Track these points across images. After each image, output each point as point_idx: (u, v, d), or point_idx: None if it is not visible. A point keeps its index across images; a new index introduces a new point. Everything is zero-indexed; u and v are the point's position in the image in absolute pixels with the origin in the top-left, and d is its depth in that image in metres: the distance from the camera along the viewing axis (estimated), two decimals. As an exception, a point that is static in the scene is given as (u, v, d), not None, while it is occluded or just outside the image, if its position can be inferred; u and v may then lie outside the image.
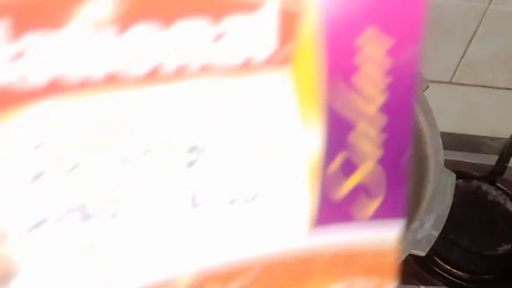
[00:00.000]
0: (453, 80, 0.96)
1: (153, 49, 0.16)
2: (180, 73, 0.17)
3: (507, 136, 0.80)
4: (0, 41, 0.16)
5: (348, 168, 0.19)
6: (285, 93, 0.18)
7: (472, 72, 0.95)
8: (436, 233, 0.56)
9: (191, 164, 0.17)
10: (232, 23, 0.16)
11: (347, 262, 0.21)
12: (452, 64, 0.94)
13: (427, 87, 0.67)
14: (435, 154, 0.63)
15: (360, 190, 0.20)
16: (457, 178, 0.61)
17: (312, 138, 0.18)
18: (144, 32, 0.16)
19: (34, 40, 0.16)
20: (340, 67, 0.18)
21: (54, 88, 0.17)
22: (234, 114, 0.18)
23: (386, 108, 0.19)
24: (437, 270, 0.75)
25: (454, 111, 0.92)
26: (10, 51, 0.16)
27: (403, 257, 0.55)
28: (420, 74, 0.17)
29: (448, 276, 0.75)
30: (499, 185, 0.80)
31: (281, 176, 0.19)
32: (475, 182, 0.80)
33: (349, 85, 0.18)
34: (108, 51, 0.16)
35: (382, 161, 0.20)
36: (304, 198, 0.20)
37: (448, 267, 0.75)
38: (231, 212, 0.19)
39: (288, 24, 0.17)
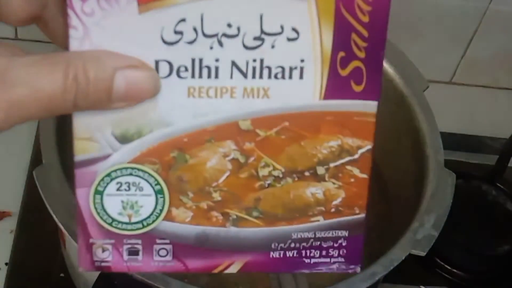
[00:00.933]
0: (453, 80, 0.96)
1: None
2: None
3: (507, 136, 0.80)
4: None
5: (347, 60, 0.32)
6: (313, 6, 0.31)
7: (472, 72, 0.95)
8: (436, 233, 0.56)
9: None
10: None
11: (342, 122, 0.33)
12: (452, 64, 0.94)
13: (427, 87, 0.67)
14: (435, 154, 0.63)
15: (353, 75, 0.32)
16: (457, 178, 0.61)
17: (327, 36, 0.32)
18: None
19: None
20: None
21: None
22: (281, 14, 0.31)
23: (367, 26, 0.32)
24: (437, 270, 0.75)
25: (454, 111, 0.92)
26: None
27: (403, 257, 0.55)
28: (386, 31, 0.32)
29: (448, 276, 0.75)
30: (499, 185, 0.80)
31: (307, 57, 0.32)
32: (475, 182, 0.80)
33: (349, 10, 0.31)
34: None
35: (365, 60, 0.32)
36: (321, 73, 0.32)
37: (448, 267, 0.75)
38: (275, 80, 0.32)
39: None
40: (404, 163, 0.67)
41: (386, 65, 0.68)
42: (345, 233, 0.36)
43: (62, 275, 0.69)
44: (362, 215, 0.36)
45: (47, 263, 0.69)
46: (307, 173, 0.35)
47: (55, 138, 0.57)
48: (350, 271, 0.36)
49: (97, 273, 0.54)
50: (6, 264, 0.69)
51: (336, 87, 0.32)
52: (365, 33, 0.32)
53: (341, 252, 0.36)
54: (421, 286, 0.75)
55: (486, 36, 0.90)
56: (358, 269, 0.36)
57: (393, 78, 0.68)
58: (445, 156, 0.62)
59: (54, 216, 0.52)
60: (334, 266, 0.36)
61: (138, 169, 0.33)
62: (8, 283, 0.68)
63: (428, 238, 0.56)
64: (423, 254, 0.55)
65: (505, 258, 0.75)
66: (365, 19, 0.31)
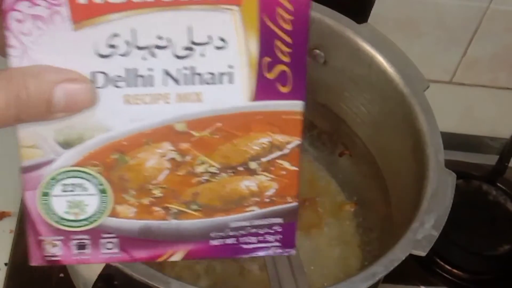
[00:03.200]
0: (453, 80, 0.96)
1: None
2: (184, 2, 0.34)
3: (507, 136, 0.80)
4: None
5: (273, 64, 0.35)
6: (238, 17, 0.34)
7: (472, 72, 0.95)
8: (436, 233, 0.56)
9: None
10: None
11: (271, 121, 0.37)
12: (452, 64, 0.94)
13: (427, 87, 0.67)
14: (435, 154, 0.63)
15: (280, 78, 0.36)
16: (457, 178, 0.61)
17: (253, 43, 0.35)
18: None
19: None
20: (267, 8, 0.34)
21: (128, 5, 0.33)
22: (210, 24, 0.34)
23: (290, 33, 0.35)
24: (437, 270, 0.75)
25: (454, 111, 0.92)
26: None
27: (404, 257, 0.55)
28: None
29: (448, 276, 0.75)
30: (499, 185, 0.80)
31: (235, 64, 0.35)
32: (476, 182, 0.80)
33: (272, 19, 0.35)
34: None
35: (290, 64, 0.35)
36: (249, 77, 0.36)
37: (448, 267, 0.75)
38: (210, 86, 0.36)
39: None
40: (404, 163, 0.67)
41: (386, 65, 0.68)
42: (280, 220, 0.39)
43: (61, 275, 0.69)
44: (295, 203, 0.39)
45: (47, 263, 0.69)
46: (240, 168, 0.38)
47: (55, 138, 0.57)
48: (286, 253, 0.40)
49: (96, 274, 0.54)
50: (5, 264, 0.69)
51: (264, 89, 0.36)
52: (288, 40, 0.35)
53: (277, 238, 0.39)
54: (421, 286, 0.75)
55: (486, 36, 0.90)
56: (293, 252, 0.40)
57: (393, 78, 0.68)
58: (445, 156, 0.62)
59: (54, 216, 0.52)
60: (271, 251, 0.40)
61: (82, 171, 0.36)
62: (7, 283, 0.68)
63: (428, 238, 0.56)
64: (423, 254, 0.55)
65: (505, 258, 0.75)
66: (288, 27, 0.35)
